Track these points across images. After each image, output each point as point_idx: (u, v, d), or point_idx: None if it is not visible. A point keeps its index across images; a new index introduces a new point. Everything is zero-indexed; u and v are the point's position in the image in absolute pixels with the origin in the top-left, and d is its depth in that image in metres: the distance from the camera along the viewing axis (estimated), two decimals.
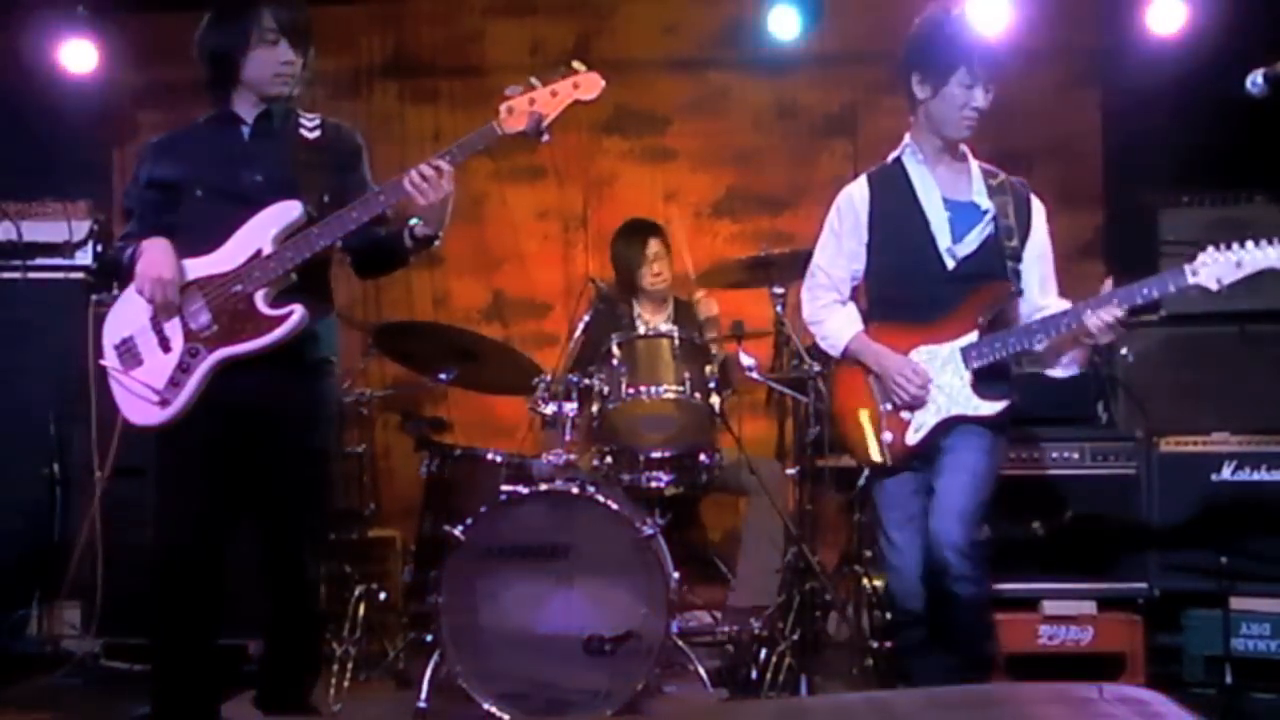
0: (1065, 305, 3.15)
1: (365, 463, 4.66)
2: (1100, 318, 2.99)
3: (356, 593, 4.33)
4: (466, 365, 4.28)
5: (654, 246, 4.81)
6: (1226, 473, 4.11)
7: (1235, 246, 2.95)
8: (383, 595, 4.42)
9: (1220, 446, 4.14)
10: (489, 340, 4.46)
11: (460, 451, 4.26)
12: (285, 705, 3.30)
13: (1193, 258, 2.98)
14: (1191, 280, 2.96)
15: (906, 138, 3.26)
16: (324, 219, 3.10)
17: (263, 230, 3.09)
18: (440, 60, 5.79)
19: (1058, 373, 3.21)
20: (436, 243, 3.20)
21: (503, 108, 3.06)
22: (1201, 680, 4.02)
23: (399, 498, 5.11)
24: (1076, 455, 4.14)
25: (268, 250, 3.07)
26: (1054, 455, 4.14)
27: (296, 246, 3.07)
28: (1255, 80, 2.84)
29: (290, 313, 3.07)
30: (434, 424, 4.72)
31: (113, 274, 3.30)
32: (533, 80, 3.06)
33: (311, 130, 3.24)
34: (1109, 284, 3.04)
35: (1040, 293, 3.22)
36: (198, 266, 3.11)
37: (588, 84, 3.06)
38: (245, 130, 3.21)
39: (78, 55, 5.18)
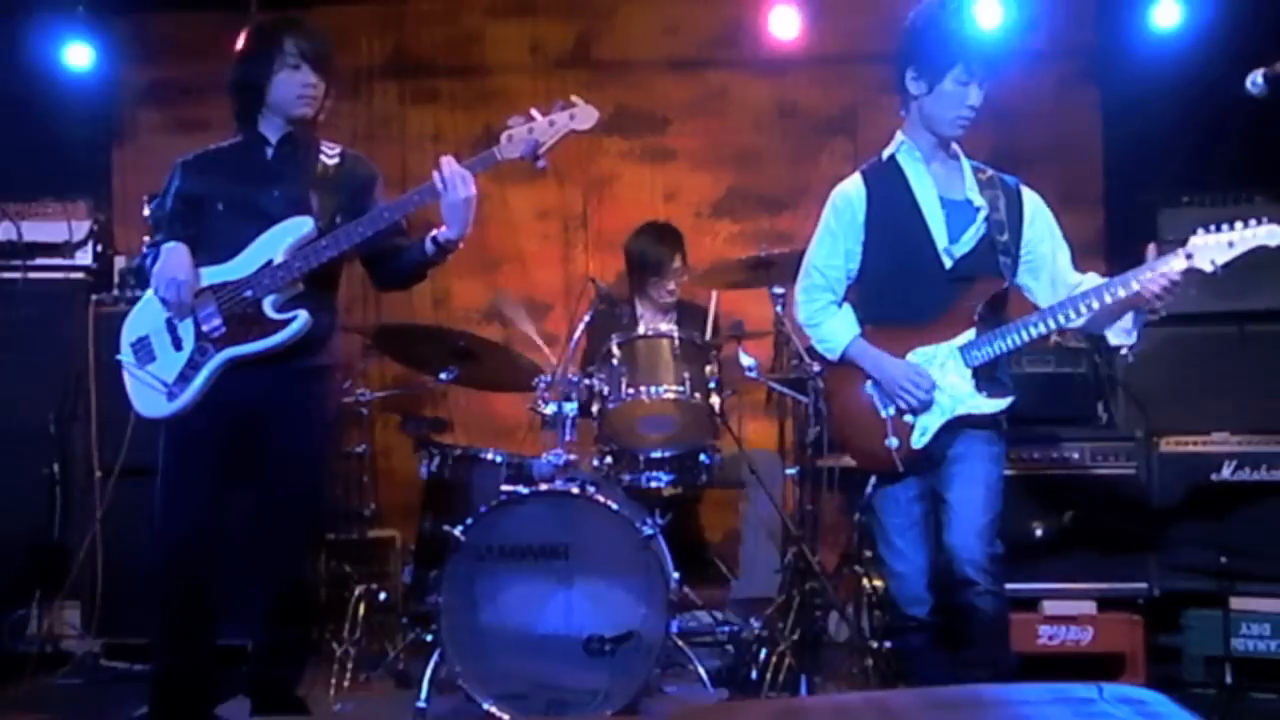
0: (1095, 278, 3.13)
1: (365, 463, 4.66)
2: (1157, 282, 2.95)
3: (356, 593, 4.33)
4: (467, 365, 4.28)
5: (678, 262, 4.79)
6: (1226, 473, 4.11)
7: (1225, 227, 2.93)
8: (383, 595, 4.43)
9: (1220, 446, 4.14)
10: (489, 341, 4.46)
11: (460, 451, 4.25)
12: (274, 699, 3.37)
13: (1184, 242, 2.97)
14: (1187, 263, 2.94)
15: (899, 134, 3.21)
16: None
17: (276, 242, 3.29)
18: (440, 60, 5.78)
19: (1121, 340, 3.16)
20: (459, 247, 3.37)
21: (503, 136, 3.29)
22: (1201, 680, 4.02)
23: (399, 498, 5.10)
24: (1076, 455, 4.15)
25: (278, 260, 3.26)
26: (1054, 455, 4.14)
27: (304, 256, 3.27)
28: (1255, 80, 2.83)
29: (294, 317, 3.27)
30: (434, 424, 4.72)
31: (141, 281, 3.55)
32: (533, 112, 3.29)
33: (331, 157, 3.46)
34: (1153, 249, 3.01)
35: (1068, 272, 3.19)
36: (214, 273, 3.31)
37: (583, 115, 3.29)
38: (269, 150, 3.41)
39: (78, 55, 5.18)
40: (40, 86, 5.19)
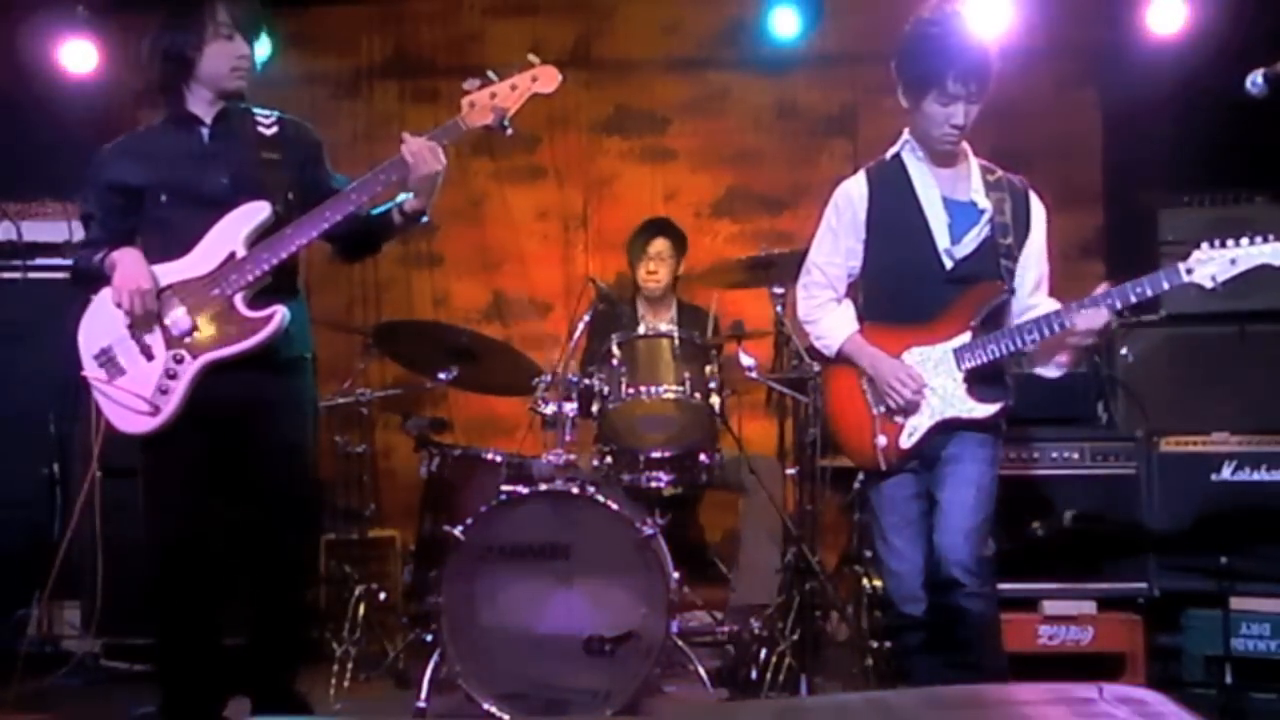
0: (1054, 305, 3.13)
1: (365, 463, 4.66)
2: (1088, 320, 2.98)
3: (356, 593, 4.34)
4: (466, 365, 4.28)
5: (658, 245, 4.84)
6: (1226, 473, 4.11)
7: (1230, 243, 2.94)
8: (383, 595, 4.43)
9: (1220, 446, 4.13)
10: (489, 340, 4.46)
11: (460, 451, 4.26)
12: (272, 698, 3.30)
13: (1187, 255, 2.98)
14: (1186, 279, 2.95)
15: (905, 134, 3.22)
16: (296, 219, 3.14)
17: (233, 232, 3.12)
18: (440, 60, 5.79)
19: (1049, 372, 3.19)
20: (424, 219, 3.23)
21: (464, 102, 3.12)
22: (1201, 680, 4.01)
23: (399, 498, 5.11)
24: (1076, 455, 4.14)
25: (240, 252, 3.11)
26: (1054, 455, 4.14)
27: (272, 248, 3.11)
28: (1255, 80, 2.83)
29: (273, 314, 3.12)
30: (434, 424, 4.71)
31: (83, 282, 3.27)
32: (490, 74, 3.12)
33: (269, 127, 3.27)
34: (1103, 286, 3.03)
35: (1031, 293, 3.20)
36: (170, 271, 3.13)
37: (545, 76, 3.11)
38: (205, 131, 3.24)
39: (78, 55, 5.17)
40: (40, 86, 5.18)
